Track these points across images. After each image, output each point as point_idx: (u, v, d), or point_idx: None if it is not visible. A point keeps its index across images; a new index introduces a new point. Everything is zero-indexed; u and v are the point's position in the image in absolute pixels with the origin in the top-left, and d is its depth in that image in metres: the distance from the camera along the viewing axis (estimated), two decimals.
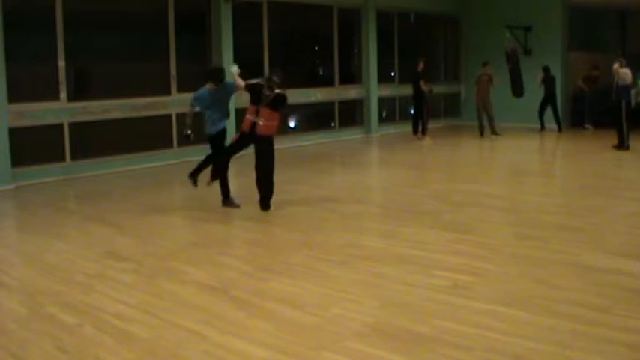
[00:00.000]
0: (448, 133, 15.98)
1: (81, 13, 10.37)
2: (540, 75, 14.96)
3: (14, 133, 9.37)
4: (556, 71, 15.60)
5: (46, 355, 3.82)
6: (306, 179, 9.88)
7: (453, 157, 12.63)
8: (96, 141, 10.56)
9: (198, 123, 7.81)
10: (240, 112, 9.60)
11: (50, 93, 9.94)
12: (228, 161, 7.63)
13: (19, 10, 9.61)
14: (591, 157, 11.98)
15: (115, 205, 8.17)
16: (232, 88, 7.73)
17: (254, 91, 7.37)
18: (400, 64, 16.19)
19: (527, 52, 16.14)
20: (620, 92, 11.98)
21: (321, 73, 14.94)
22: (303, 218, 7.21)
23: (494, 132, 14.73)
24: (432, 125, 15.10)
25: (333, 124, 14.82)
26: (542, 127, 15.32)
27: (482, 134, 14.73)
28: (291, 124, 14.16)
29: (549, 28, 15.98)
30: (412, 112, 14.83)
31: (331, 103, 14.68)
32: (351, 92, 15.08)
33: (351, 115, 15.23)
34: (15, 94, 9.39)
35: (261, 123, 7.21)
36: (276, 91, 7.22)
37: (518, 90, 15.37)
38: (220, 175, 7.60)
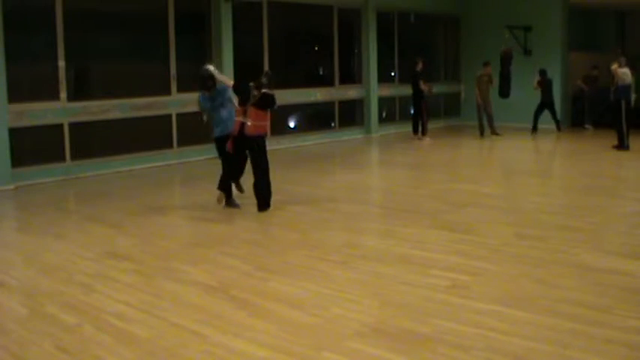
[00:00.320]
0: (448, 133, 15.98)
1: (81, 13, 10.37)
2: (537, 78, 14.92)
3: (14, 133, 9.37)
4: (556, 71, 15.61)
5: (46, 355, 3.82)
6: (306, 179, 9.88)
7: (453, 157, 12.63)
8: (96, 141, 10.57)
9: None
10: None
11: (50, 93, 9.94)
12: (238, 179, 7.71)
13: (19, 10, 9.61)
14: (591, 157, 11.98)
15: (115, 205, 8.17)
16: (226, 90, 7.72)
17: (241, 92, 7.41)
18: (400, 64, 16.18)
19: (527, 52, 16.15)
20: (620, 92, 11.98)
21: (321, 73, 14.94)
22: (303, 218, 7.21)
23: (494, 132, 14.74)
24: (432, 125, 15.11)
25: (333, 124, 14.83)
26: (535, 129, 15.12)
27: (482, 134, 14.74)
28: (291, 124, 14.17)
29: (549, 28, 15.99)
30: (412, 112, 14.83)
31: (331, 103, 14.68)
32: (351, 92, 15.08)
33: (351, 115, 15.22)
34: (15, 94, 9.39)
35: (249, 123, 7.25)
36: (264, 91, 7.28)
37: (505, 91, 15.25)
38: (228, 188, 7.69)
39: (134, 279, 5.21)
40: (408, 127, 15.16)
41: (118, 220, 7.26)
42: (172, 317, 4.32)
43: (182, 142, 11.47)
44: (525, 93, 15.33)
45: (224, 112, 7.61)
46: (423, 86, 14.02)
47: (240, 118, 7.34)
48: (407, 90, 14.79)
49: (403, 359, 3.63)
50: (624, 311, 4.20)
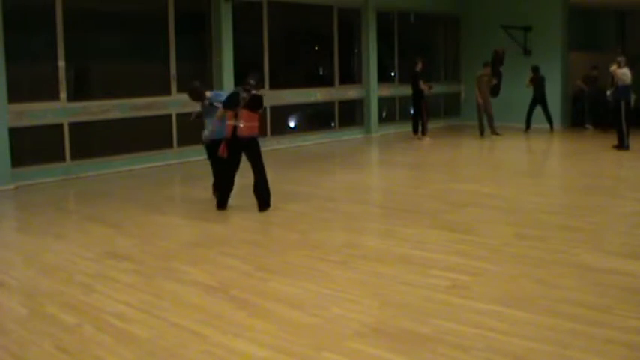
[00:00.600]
0: (448, 133, 15.97)
1: (81, 13, 10.36)
2: (529, 75, 14.95)
3: (14, 133, 9.37)
4: (555, 71, 15.61)
5: (46, 355, 3.82)
6: (306, 179, 9.88)
7: (453, 157, 12.63)
8: (96, 141, 10.56)
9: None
10: None
11: (50, 93, 9.93)
12: (232, 183, 7.69)
13: (19, 10, 9.61)
14: (591, 157, 11.98)
15: (115, 205, 8.17)
16: (219, 99, 7.72)
17: (232, 104, 7.39)
18: (400, 64, 16.18)
19: (527, 52, 16.14)
20: (620, 92, 11.98)
21: (321, 73, 14.94)
22: (303, 218, 7.21)
23: (494, 132, 14.74)
24: (432, 125, 15.11)
25: (333, 124, 14.82)
26: (528, 127, 15.22)
27: (482, 134, 14.74)
28: (291, 124, 14.17)
29: (549, 28, 15.98)
30: (412, 112, 14.83)
31: (331, 103, 14.68)
32: (351, 92, 15.07)
33: (351, 115, 15.22)
34: (15, 94, 9.38)
35: (241, 125, 7.27)
36: (253, 92, 7.31)
37: (495, 90, 15.25)
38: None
39: (134, 279, 5.21)
40: (408, 127, 15.15)
41: (118, 220, 7.26)
42: (172, 317, 4.32)
43: (182, 142, 11.46)
44: (525, 93, 15.34)
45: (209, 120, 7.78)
46: (423, 86, 14.02)
47: (231, 122, 7.34)
48: (407, 90, 14.79)
49: (403, 359, 3.63)
50: (624, 311, 4.20)
